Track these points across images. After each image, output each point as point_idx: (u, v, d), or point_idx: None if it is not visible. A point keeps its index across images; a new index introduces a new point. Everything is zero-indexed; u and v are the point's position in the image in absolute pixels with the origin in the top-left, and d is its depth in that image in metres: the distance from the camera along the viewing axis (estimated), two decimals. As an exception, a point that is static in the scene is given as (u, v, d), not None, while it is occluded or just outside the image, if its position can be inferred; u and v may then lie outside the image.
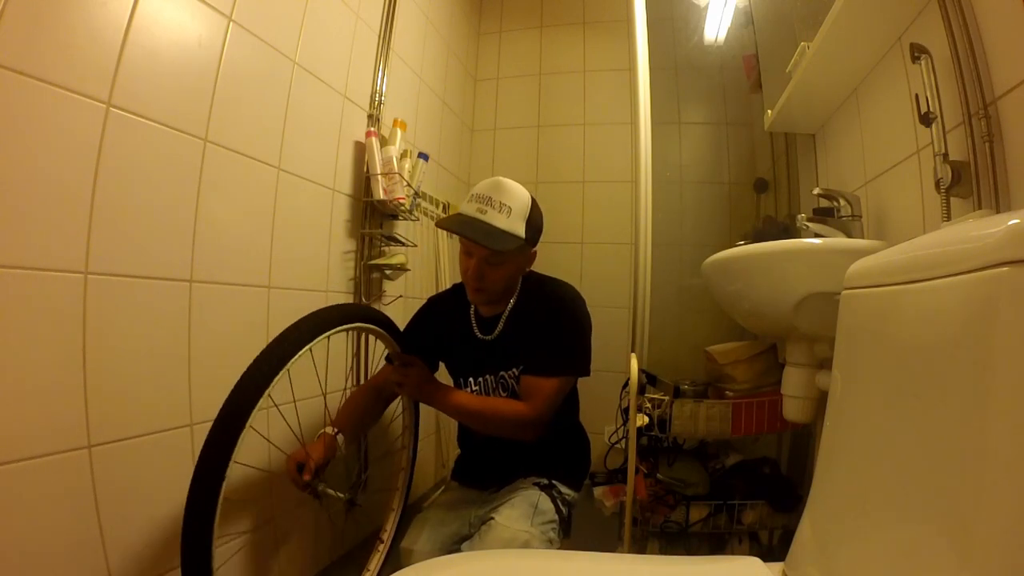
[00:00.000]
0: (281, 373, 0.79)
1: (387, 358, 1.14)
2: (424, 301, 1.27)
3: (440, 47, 1.98)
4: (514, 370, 1.11)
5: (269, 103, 1.09)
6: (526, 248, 1.06)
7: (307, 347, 0.84)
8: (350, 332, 1.17)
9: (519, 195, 1.02)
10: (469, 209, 1.01)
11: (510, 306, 1.12)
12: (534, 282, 1.15)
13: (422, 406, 1.23)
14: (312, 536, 1.20)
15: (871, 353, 0.60)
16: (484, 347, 1.13)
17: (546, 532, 1.02)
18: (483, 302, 1.12)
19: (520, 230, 1.00)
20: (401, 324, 1.24)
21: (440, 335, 1.18)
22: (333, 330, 0.91)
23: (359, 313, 1.02)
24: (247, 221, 1.04)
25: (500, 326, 1.12)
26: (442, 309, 1.22)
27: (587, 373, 1.11)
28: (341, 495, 0.97)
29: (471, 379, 1.15)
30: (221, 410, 0.74)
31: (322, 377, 1.20)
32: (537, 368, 1.06)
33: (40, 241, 0.69)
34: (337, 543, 1.31)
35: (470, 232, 0.98)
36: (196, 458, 0.73)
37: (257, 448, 1.04)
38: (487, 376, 1.13)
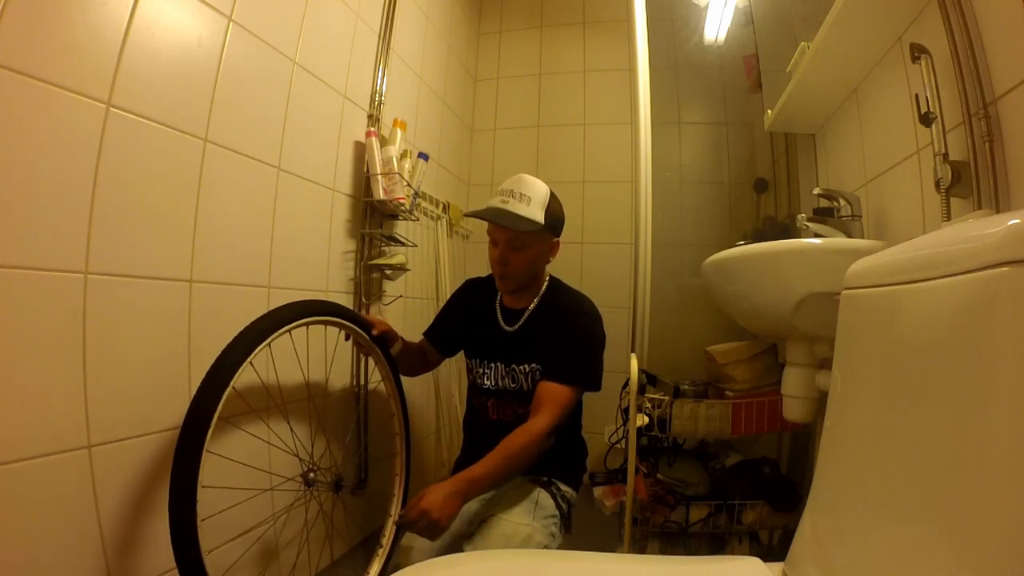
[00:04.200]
0: (244, 365, 0.82)
1: (397, 525, 1.03)
2: (424, 300, 1.28)
3: (440, 47, 1.98)
4: (525, 366, 1.15)
5: (269, 103, 1.09)
6: (547, 235, 1.14)
7: (265, 342, 0.86)
8: (310, 327, 1.09)
9: (538, 187, 1.13)
10: (494, 202, 1.12)
11: (534, 303, 1.19)
12: (561, 289, 1.22)
13: (411, 408, 1.26)
14: (311, 536, 1.20)
15: (871, 353, 0.60)
16: (504, 338, 1.19)
17: (548, 526, 1.04)
18: (509, 289, 1.19)
19: (538, 216, 1.10)
20: (400, 325, 1.24)
21: (467, 318, 1.27)
22: (286, 327, 0.91)
23: (314, 308, 1.01)
24: (247, 221, 1.04)
25: (522, 321, 1.18)
26: (475, 292, 1.30)
27: (599, 388, 1.15)
28: (327, 479, 0.98)
29: (486, 361, 1.21)
30: (188, 408, 0.77)
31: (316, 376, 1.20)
32: (558, 374, 1.08)
33: (40, 241, 0.69)
34: (335, 541, 1.31)
35: (493, 216, 1.10)
36: (175, 450, 0.74)
37: (257, 448, 1.04)
38: (499, 363, 1.19)
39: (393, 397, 1.24)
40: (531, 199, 1.10)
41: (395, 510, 1.23)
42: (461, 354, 1.34)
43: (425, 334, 1.34)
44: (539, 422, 1.02)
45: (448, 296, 1.41)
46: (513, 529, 0.98)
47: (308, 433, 1.20)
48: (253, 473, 1.02)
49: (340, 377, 1.33)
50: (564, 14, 2.33)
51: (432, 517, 0.86)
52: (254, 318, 0.87)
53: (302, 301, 0.98)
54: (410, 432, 1.28)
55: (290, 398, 1.14)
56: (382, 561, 1.17)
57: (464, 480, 0.93)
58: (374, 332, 1.14)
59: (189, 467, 0.73)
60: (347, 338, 1.18)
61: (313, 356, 1.18)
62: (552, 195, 1.14)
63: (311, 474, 0.97)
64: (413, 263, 1.60)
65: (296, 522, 1.16)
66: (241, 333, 0.84)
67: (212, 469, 0.78)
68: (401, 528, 0.93)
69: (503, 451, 0.99)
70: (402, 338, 1.23)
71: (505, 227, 1.09)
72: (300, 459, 1.06)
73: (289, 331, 0.92)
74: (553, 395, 1.06)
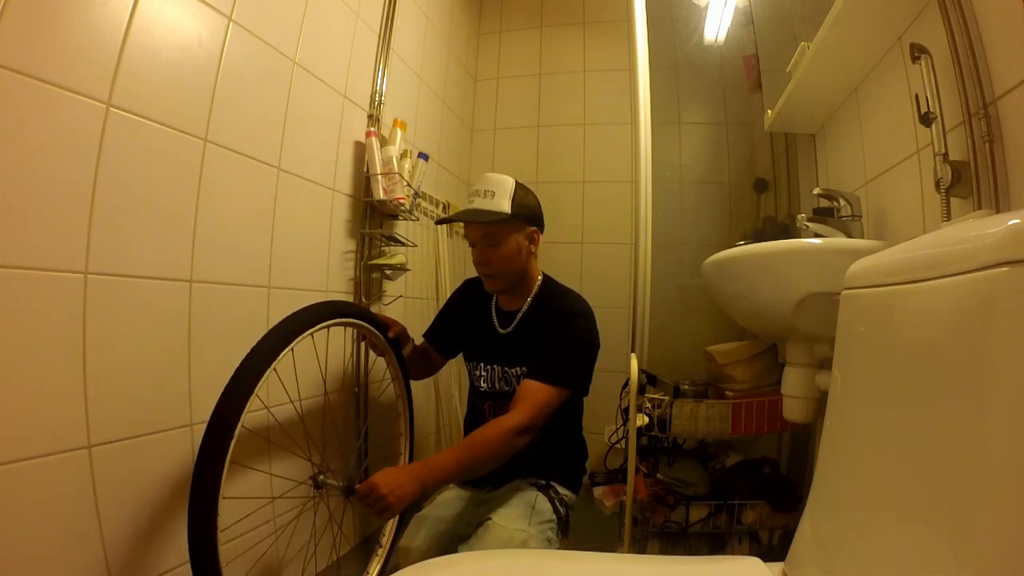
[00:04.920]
0: (268, 371, 0.82)
1: (345, 493, 0.97)
2: (424, 300, 1.28)
3: (440, 47, 1.97)
4: (517, 368, 1.14)
5: (269, 103, 1.09)
6: (519, 225, 1.13)
7: (289, 347, 0.86)
8: (331, 330, 1.12)
9: (501, 180, 1.13)
10: (464, 205, 1.14)
11: (527, 304, 1.18)
12: (554, 289, 1.21)
13: (417, 408, 1.26)
14: (313, 536, 1.20)
15: (871, 353, 0.60)
16: (499, 340, 1.19)
17: (544, 532, 1.03)
18: (498, 289, 1.18)
19: (504, 207, 1.10)
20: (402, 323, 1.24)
21: (464, 320, 1.28)
22: (309, 331, 0.91)
23: (341, 310, 1.02)
24: (247, 221, 1.04)
25: (515, 323, 1.18)
26: (472, 293, 1.30)
27: (586, 392, 1.13)
28: (339, 483, 0.97)
29: (482, 364, 1.21)
30: (213, 413, 0.76)
31: (325, 376, 1.20)
32: (540, 372, 1.05)
33: (40, 241, 0.68)
34: (339, 541, 1.31)
35: (459, 216, 1.12)
36: (196, 458, 0.74)
37: (256, 450, 1.04)
38: (494, 366, 1.19)
39: (401, 398, 1.25)
40: (495, 192, 1.11)
41: None
42: (461, 354, 1.34)
43: (425, 335, 1.34)
44: (511, 418, 0.98)
45: (448, 296, 1.41)
46: (508, 535, 0.97)
47: (317, 436, 1.20)
48: (261, 477, 1.02)
49: (344, 379, 1.33)
50: (564, 14, 2.32)
51: (381, 492, 0.83)
52: (254, 318, 0.87)
53: (323, 303, 0.97)
54: (415, 433, 1.28)
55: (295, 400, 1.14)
56: (381, 561, 1.18)
57: (423, 467, 0.90)
58: (390, 334, 1.15)
59: (211, 478, 0.72)
60: (363, 339, 1.18)
61: (314, 358, 1.17)
62: (519, 185, 1.14)
63: (321, 476, 0.96)
64: (413, 263, 1.60)
65: (303, 524, 1.15)
66: (264, 338, 0.83)
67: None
68: (350, 497, 0.89)
69: (466, 442, 0.96)
70: (412, 340, 1.24)
71: (473, 222, 1.11)
72: (312, 462, 1.06)
73: (311, 334, 0.91)
74: (531, 393, 1.02)
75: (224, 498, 0.74)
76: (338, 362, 1.30)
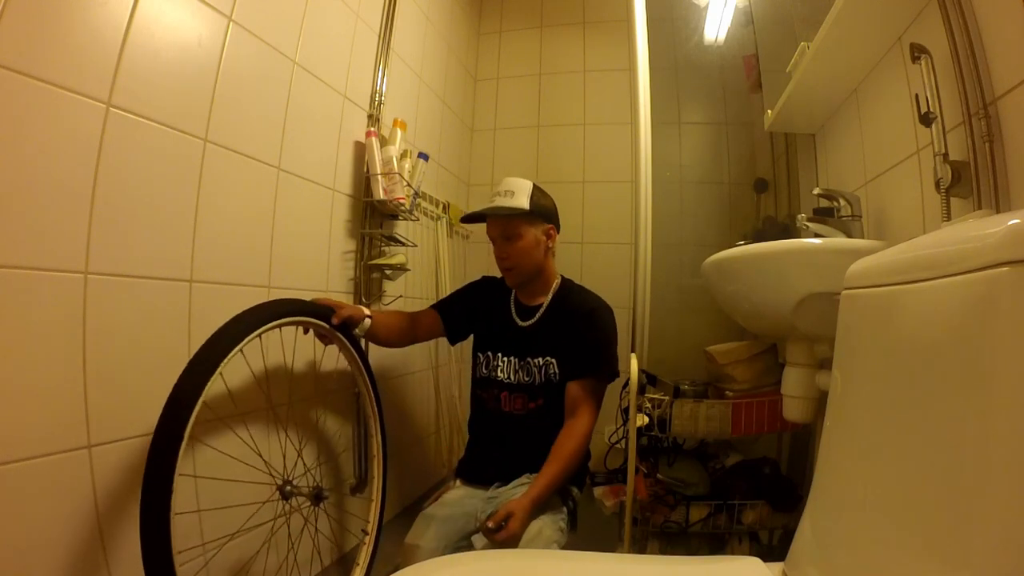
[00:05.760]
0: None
1: (484, 528, 1.02)
2: (424, 300, 1.28)
3: (440, 47, 1.98)
4: (540, 359, 1.20)
5: (269, 103, 1.09)
6: (536, 220, 1.21)
7: (216, 371, 0.80)
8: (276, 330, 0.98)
9: (520, 182, 1.22)
10: (485, 204, 1.23)
11: (548, 300, 1.24)
12: (573, 288, 1.28)
13: (411, 408, 1.24)
14: (291, 548, 1.16)
15: (871, 353, 0.60)
16: (519, 332, 1.24)
17: (556, 522, 1.06)
18: (516, 282, 1.25)
19: (523, 204, 1.19)
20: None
21: (478, 310, 1.31)
22: (240, 345, 0.84)
23: (275, 311, 0.93)
24: (247, 221, 1.04)
25: (537, 317, 1.23)
26: (489, 289, 1.35)
27: (619, 375, 1.23)
28: (306, 489, 0.95)
29: (500, 354, 1.25)
30: (162, 413, 0.73)
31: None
32: (586, 371, 1.16)
33: (40, 241, 0.69)
34: (318, 544, 1.28)
35: (483, 212, 1.22)
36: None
37: (252, 454, 1.04)
38: (512, 357, 1.23)
39: (362, 379, 1.18)
40: (515, 192, 1.20)
41: (376, 493, 1.19)
42: (461, 354, 1.35)
43: (437, 308, 1.32)
44: (582, 423, 1.12)
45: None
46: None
47: (280, 444, 1.12)
48: (228, 496, 0.97)
49: (339, 376, 1.33)
50: (564, 14, 2.32)
51: (519, 535, 0.98)
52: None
53: (251, 309, 0.89)
54: (383, 411, 1.23)
55: (254, 407, 1.07)
56: (369, 549, 1.14)
57: (535, 500, 1.03)
58: (335, 320, 1.07)
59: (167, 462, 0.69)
60: (306, 331, 1.08)
61: (287, 354, 1.17)
62: (536, 187, 1.22)
63: (287, 487, 0.92)
64: (413, 263, 1.60)
65: (280, 538, 1.08)
66: (188, 367, 0.77)
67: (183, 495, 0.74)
68: (319, 505, 1.01)
69: (558, 458, 1.08)
70: (371, 316, 1.16)
71: (495, 216, 1.19)
72: (273, 474, 1.00)
73: (240, 349, 0.83)
74: (587, 395, 1.15)
75: (182, 551, 0.72)
76: (330, 364, 1.30)
